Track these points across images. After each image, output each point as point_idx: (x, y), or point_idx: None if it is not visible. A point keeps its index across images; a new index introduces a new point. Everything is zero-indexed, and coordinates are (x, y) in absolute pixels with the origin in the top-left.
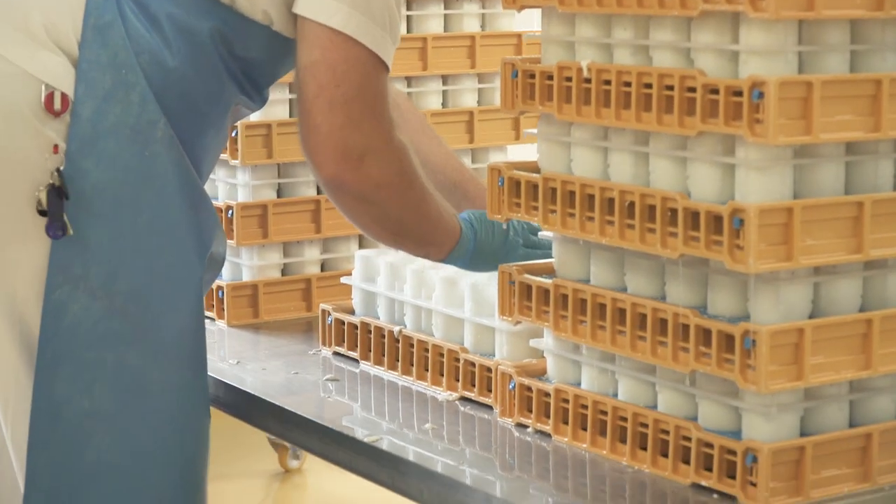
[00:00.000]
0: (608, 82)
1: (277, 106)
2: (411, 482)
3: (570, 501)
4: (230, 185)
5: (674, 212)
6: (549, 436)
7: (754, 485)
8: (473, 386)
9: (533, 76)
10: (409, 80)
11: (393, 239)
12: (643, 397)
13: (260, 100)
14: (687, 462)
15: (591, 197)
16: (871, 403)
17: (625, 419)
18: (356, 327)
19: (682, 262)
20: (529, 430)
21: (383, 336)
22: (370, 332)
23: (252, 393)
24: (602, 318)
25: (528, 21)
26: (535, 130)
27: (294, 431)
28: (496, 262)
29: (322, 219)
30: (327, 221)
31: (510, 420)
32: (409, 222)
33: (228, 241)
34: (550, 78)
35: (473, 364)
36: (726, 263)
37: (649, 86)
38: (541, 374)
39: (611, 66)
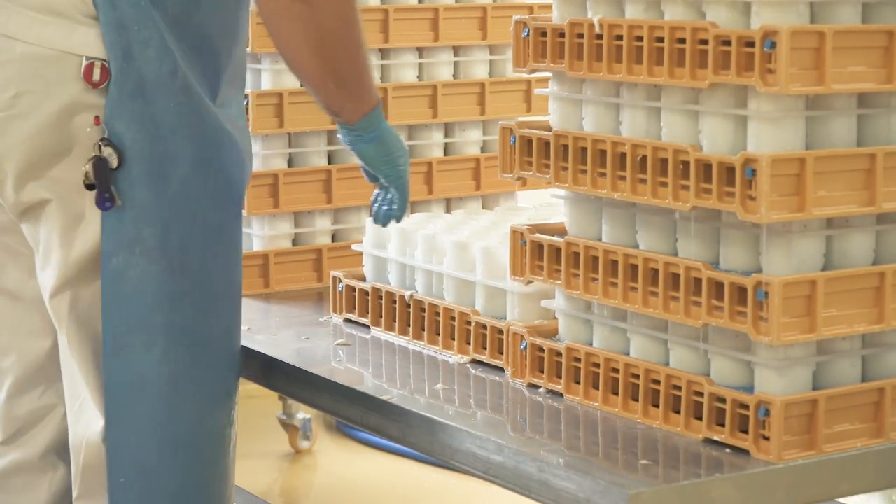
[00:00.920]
0: (620, 38)
1: (289, 75)
2: (420, 434)
3: (583, 459)
4: None
5: (686, 164)
6: (560, 395)
7: (767, 439)
8: (485, 349)
9: (545, 34)
10: (420, 51)
11: (315, 62)
12: (655, 354)
13: None
14: (699, 417)
15: (603, 153)
16: (884, 358)
17: (637, 376)
18: (367, 293)
19: (693, 217)
20: (541, 390)
21: (394, 301)
22: (381, 297)
23: (264, 353)
24: (614, 276)
25: None
26: (546, 90)
27: (305, 390)
28: (389, 160)
29: (333, 189)
30: (339, 192)
31: (522, 381)
32: (338, 43)
33: None
34: (562, 35)
35: (485, 326)
36: (738, 214)
37: (661, 40)
38: (552, 334)
39: (622, 21)
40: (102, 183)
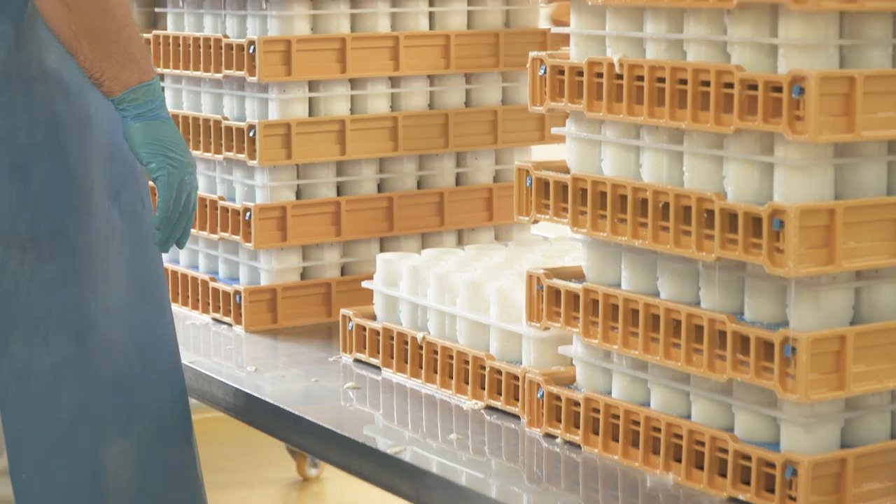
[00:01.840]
0: (641, 78)
1: (296, 105)
2: (435, 496)
3: None
4: (248, 186)
5: (710, 213)
6: (578, 447)
7: (794, 499)
8: (500, 394)
9: (562, 72)
10: (431, 79)
11: (62, 14)
12: (677, 407)
13: None
14: (723, 475)
15: (623, 198)
16: None
17: (658, 430)
18: (378, 333)
19: (718, 266)
20: (558, 440)
21: (406, 342)
22: (392, 338)
23: (270, 402)
24: (634, 325)
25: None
26: (563, 129)
27: (314, 442)
28: (154, 145)
29: (342, 221)
30: (348, 224)
31: (538, 430)
32: None
33: (246, 244)
34: (580, 74)
35: (500, 372)
36: (766, 267)
37: (684, 81)
38: (570, 382)
39: (643, 62)
40: None
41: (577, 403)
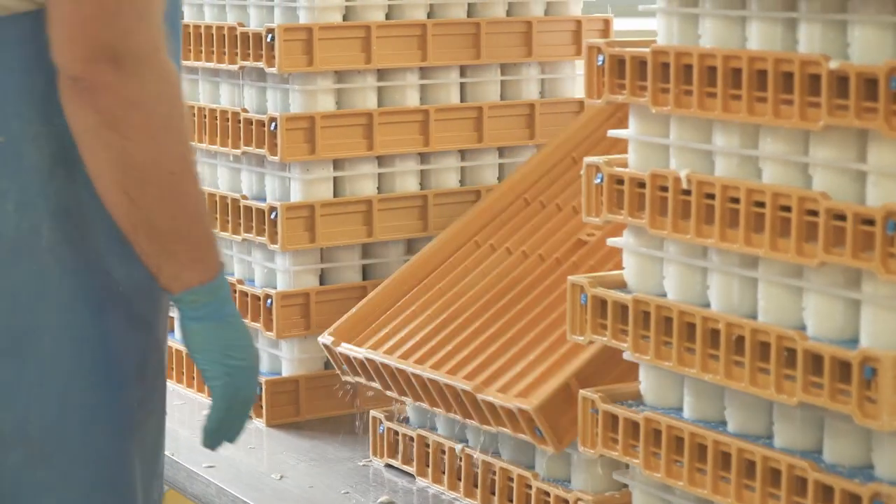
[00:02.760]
0: (711, 196)
1: (321, 185)
2: None
3: None
4: (268, 269)
5: (791, 352)
6: None
7: None
8: None
9: (621, 182)
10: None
11: (124, 204)
12: None
13: None
14: None
15: (692, 326)
16: None
17: None
18: (412, 439)
19: (799, 408)
20: None
21: (443, 451)
22: (428, 445)
23: None
24: (702, 461)
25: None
26: (619, 241)
27: None
28: (214, 351)
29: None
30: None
31: None
32: (152, 184)
33: (267, 332)
34: (642, 185)
35: (548, 494)
36: (855, 418)
37: (761, 204)
38: None
39: (714, 179)
40: None
41: None
